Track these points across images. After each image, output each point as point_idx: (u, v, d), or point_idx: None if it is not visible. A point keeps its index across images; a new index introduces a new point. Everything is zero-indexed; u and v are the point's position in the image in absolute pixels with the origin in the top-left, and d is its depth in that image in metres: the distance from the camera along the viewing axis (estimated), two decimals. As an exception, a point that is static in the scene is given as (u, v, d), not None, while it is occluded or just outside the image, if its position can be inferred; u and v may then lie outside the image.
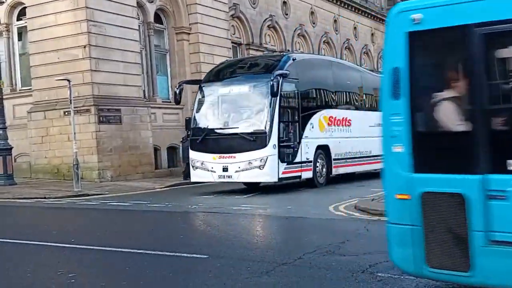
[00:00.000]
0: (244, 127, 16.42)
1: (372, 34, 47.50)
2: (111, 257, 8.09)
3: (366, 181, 19.32)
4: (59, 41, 20.69)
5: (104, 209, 13.94)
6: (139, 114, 22.18)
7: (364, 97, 22.60)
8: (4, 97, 20.45)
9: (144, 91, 23.79)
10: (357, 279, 6.38)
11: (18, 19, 23.63)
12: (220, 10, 26.43)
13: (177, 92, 18.04)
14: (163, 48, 25.84)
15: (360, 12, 45.08)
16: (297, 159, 17.01)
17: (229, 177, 16.23)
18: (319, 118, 18.43)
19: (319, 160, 18.15)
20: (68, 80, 18.07)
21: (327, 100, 19.56)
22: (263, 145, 15.84)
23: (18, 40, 23.99)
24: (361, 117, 21.21)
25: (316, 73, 19.66)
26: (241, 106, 17.16)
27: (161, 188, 19.10)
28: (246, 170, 15.90)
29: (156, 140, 23.00)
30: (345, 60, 42.19)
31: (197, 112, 17.53)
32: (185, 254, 7.90)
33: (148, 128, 22.48)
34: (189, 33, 25.60)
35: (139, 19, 23.25)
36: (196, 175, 17.10)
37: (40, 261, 7.99)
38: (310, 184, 17.88)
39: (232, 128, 16.57)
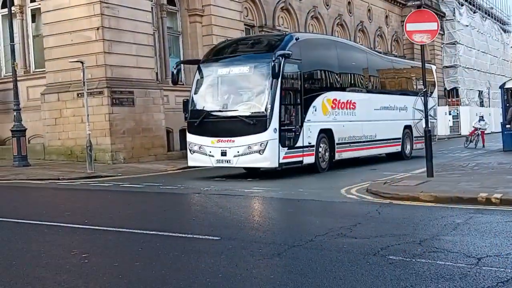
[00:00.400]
0: (243, 110, 15.82)
1: (386, 17, 47.13)
2: (124, 238, 8.14)
3: (371, 165, 19.15)
4: (72, 23, 20.72)
5: (117, 191, 14.03)
6: (152, 97, 22.22)
7: (370, 79, 21.97)
8: (18, 79, 20.57)
9: (156, 73, 23.82)
10: (369, 262, 6.38)
11: (32, 0, 23.66)
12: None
13: (175, 72, 17.63)
14: (175, 30, 25.82)
15: (374, -6, 44.70)
16: (299, 144, 16.37)
17: (227, 161, 15.66)
18: (322, 100, 17.75)
19: (321, 145, 17.49)
20: (82, 62, 18.07)
21: (331, 82, 18.85)
22: (263, 128, 15.23)
23: (32, 22, 24.05)
24: (366, 100, 20.66)
25: (320, 53, 18.89)
26: (240, 88, 16.66)
27: (173, 170, 19.21)
28: (245, 154, 15.36)
29: (169, 122, 23.05)
30: (359, 43, 42.09)
31: (195, 93, 16.90)
32: (197, 236, 7.94)
33: (160, 110, 22.54)
34: (202, 15, 25.54)
35: (152, 1, 23.19)
36: (193, 159, 16.59)
37: (54, 241, 8.05)
38: (311, 169, 17.33)
39: (231, 110, 16.06)
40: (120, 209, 11.26)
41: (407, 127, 23.25)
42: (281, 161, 15.65)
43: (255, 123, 15.29)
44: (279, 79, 15.24)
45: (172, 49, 25.84)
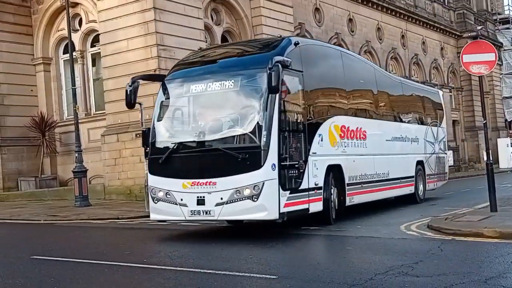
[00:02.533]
0: (228, 140, 11.45)
1: (442, 48, 46.55)
2: (183, 277, 8.11)
3: (384, 212, 18.07)
4: (130, 66, 21.12)
5: (174, 229, 14.05)
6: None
7: (380, 102, 17.52)
8: (79, 121, 21.07)
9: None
10: (432, 302, 6.18)
11: (92, 45, 24.35)
12: (285, 30, 26.41)
13: (128, 91, 12.43)
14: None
15: (428, 27, 44.28)
16: (304, 185, 11.86)
17: (206, 213, 11.02)
18: (329, 127, 13.50)
19: (331, 186, 13.16)
20: (140, 104, 18.22)
21: (338, 102, 14.64)
22: (258, 165, 10.73)
23: (92, 66, 24.71)
24: (377, 127, 16.79)
25: (325, 64, 14.51)
26: (223, 109, 11.97)
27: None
28: (232, 202, 10.77)
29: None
30: (414, 76, 41.60)
31: (158, 120, 12.25)
32: (255, 275, 7.85)
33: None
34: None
35: (206, 42, 23.52)
36: (157, 211, 11.80)
37: (113, 281, 8.10)
38: (315, 219, 13.05)
39: (210, 141, 11.59)
40: (178, 248, 11.26)
41: (420, 163, 19.54)
42: (282, 209, 10.96)
43: (245, 158, 10.80)
44: (278, 96, 10.94)
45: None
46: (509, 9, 59.84)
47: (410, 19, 41.49)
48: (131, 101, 12.41)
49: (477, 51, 13.96)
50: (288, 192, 11.19)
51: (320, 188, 12.44)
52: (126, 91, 12.35)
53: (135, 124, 19.96)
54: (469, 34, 46.07)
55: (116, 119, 21.89)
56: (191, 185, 11.07)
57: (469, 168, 45.10)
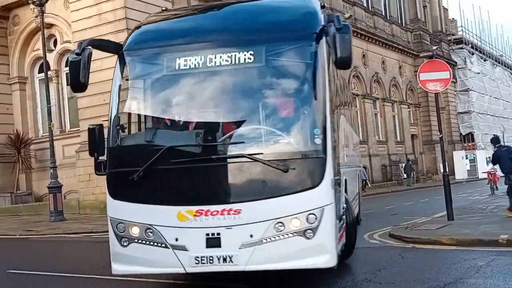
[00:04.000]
0: (259, 143, 6.41)
1: (400, 67, 47.32)
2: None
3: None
4: (104, 84, 20.91)
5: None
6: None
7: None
8: (54, 138, 20.84)
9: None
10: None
11: (67, 65, 24.14)
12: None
13: (76, 62, 6.55)
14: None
15: (387, 47, 45.02)
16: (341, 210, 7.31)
17: (224, 260, 6.15)
18: (343, 121, 9.61)
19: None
20: (113, 121, 18.34)
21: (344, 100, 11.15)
22: (313, 180, 6.18)
23: (67, 85, 24.47)
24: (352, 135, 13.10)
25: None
26: (244, 95, 6.78)
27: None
28: (270, 241, 6.10)
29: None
30: (375, 93, 42.26)
31: (121, 111, 7.04)
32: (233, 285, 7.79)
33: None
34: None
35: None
36: (127, 260, 6.61)
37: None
38: None
39: (229, 144, 6.46)
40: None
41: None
42: (338, 249, 6.69)
43: (292, 170, 6.14)
44: (327, 77, 6.47)
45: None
46: (462, 30, 61.09)
47: (370, 40, 42.08)
48: (80, 78, 6.57)
49: (433, 70, 14.23)
50: (338, 221, 6.82)
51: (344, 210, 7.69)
52: (72, 63, 6.56)
53: (109, 141, 19.78)
54: (425, 54, 46.76)
55: (90, 136, 21.63)
56: (195, 216, 6.13)
57: (427, 180, 45.64)
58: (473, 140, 56.18)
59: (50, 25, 23.25)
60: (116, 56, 7.05)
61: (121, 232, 6.52)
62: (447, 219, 13.79)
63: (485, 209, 16.63)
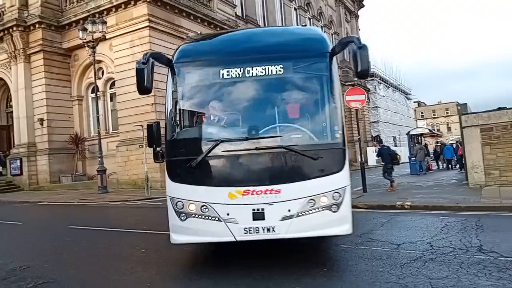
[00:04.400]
0: (296, 136, 5.70)
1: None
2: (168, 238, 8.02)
3: None
4: (135, 101, 20.86)
5: (164, 207, 13.79)
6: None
7: None
8: (101, 137, 20.61)
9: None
10: (324, 249, 6.26)
11: (110, 88, 23.85)
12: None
13: (141, 71, 5.62)
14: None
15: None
16: None
17: (268, 230, 5.42)
18: None
19: None
20: (141, 126, 18.22)
21: None
22: (339, 166, 5.66)
23: (110, 101, 24.19)
24: None
25: None
26: (279, 97, 5.99)
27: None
28: (305, 214, 5.45)
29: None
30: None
31: (176, 111, 5.95)
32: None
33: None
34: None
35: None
36: (186, 231, 5.66)
37: (124, 242, 7.95)
38: None
39: (271, 137, 5.60)
40: (166, 219, 11.09)
41: None
42: None
43: (322, 158, 5.58)
44: (338, 84, 6.04)
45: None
46: (373, 67, 61.62)
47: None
48: (146, 84, 5.63)
49: (354, 94, 14.36)
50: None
51: None
52: (138, 71, 5.69)
53: (138, 139, 19.67)
54: (350, 83, 47.64)
55: (126, 136, 21.51)
56: (243, 195, 5.43)
57: (351, 166, 45.95)
58: (380, 140, 56.79)
59: (99, 61, 22.87)
60: (168, 68, 6.07)
61: (180, 209, 5.61)
62: (362, 191, 13.94)
63: (386, 185, 16.89)
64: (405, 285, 4.83)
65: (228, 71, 5.72)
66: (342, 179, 5.56)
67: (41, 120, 23.94)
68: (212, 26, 24.43)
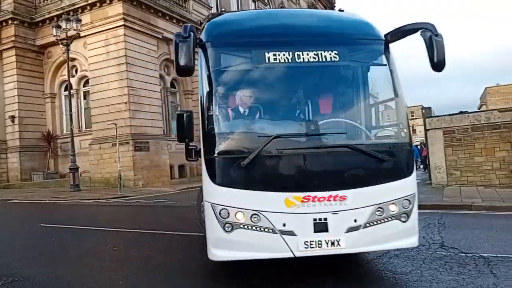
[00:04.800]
0: (361, 134, 4.91)
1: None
2: (142, 236, 7.94)
3: None
4: (110, 99, 20.55)
5: (137, 205, 13.69)
6: (160, 145, 21.91)
7: None
8: (74, 135, 20.12)
9: (164, 130, 23.56)
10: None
11: (84, 86, 23.34)
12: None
13: (183, 47, 4.26)
14: (176, 103, 25.68)
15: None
16: None
17: (332, 243, 4.31)
18: None
19: None
20: (115, 124, 18.04)
21: None
22: (408, 169, 4.64)
23: (84, 99, 23.67)
24: None
25: None
26: (337, 90, 5.05)
27: (174, 191, 18.77)
28: (372, 225, 4.42)
29: (172, 160, 22.70)
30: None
31: (215, 101, 4.48)
32: (187, 233, 7.74)
33: (166, 153, 22.20)
34: (192, 94, 25.53)
35: (161, 85, 23.12)
36: (233, 245, 4.33)
37: (95, 240, 7.81)
38: None
39: (334, 134, 4.61)
40: (139, 217, 10.98)
41: None
42: None
43: (391, 159, 4.54)
44: (398, 73, 4.85)
45: (174, 115, 25.60)
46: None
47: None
48: (186, 61, 4.32)
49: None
50: None
51: None
52: (177, 46, 4.29)
53: (111, 138, 19.38)
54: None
55: (99, 134, 21.10)
56: (303, 202, 4.36)
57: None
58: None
59: (73, 59, 22.29)
60: (199, 48, 4.69)
61: (224, 218, 4.35)
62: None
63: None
64: (372, 280, 4.93)
65: (276, 55, 4.55)
66: (412, 184, 4.68)
67: (12, 117, 23.21)
68: None
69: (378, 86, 4.99)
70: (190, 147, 4.84)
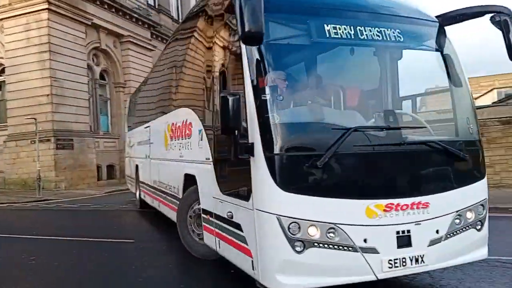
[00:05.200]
0: (441, 129, 4.50)
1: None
2: (63, 244, 7.81)
3: None
4: (30, 91, 19.63)
5: (58, 210, 13.28)
6: (87, 142, 21.28)
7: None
8: (-15, 130, 19.04)
9: (91, 126, 22.87)
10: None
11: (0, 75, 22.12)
12: (146, 72, 26.02)
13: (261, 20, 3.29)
14: (105, 96, 25.01)
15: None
16: None
17: (417, 260, 3.76)
18: None
19: None
20: (35, 119, 17.35)
21: None
22: (482, 170, 4.31)
23: (-1, 90, 22.44)
24: None
25: None
26: (410, 76, 4.59)
27: (101, 194, 18.31)
28: (452, 236, 3.97)
29: (98, 160, 22.11)
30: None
31: (267, 81, 3.66)
32: (115, 240, 7.73)
33: (93, 152, 21.58)
34: (124, 87, 25.00)
35: (88, 76, 22.44)
36: (308, 271, 3.56)
37: (10, 249, 7.56)
38: None
39: (414, 128, 4.25)
40: (60, 223, 10.70)
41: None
42: None
43: (471, 159, 4.21)
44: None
45: (103, 109, 24.92)
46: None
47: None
48: (255, 24, 3.29)
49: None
50: None
51: None
52: (244, 5, 3.30)
53: (30, 134, 18.59)
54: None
55: (16, 130, 20.12)
56: (385, 211, 3.74)
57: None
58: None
59: (-13, 44, 21.08)
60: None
61: (294, 235, 3.58)
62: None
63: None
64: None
65: (336, 28, 3.93)
66: (485, 187, 4.30)
67: None
68: (120, 14, 23.78)
69: (447, 74, 4.43)
70: (242, 142, 3.78)
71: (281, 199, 3.55)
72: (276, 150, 3.58)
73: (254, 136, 3.66)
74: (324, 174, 3.60)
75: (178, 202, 6.22)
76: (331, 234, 3.60)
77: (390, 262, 3.69)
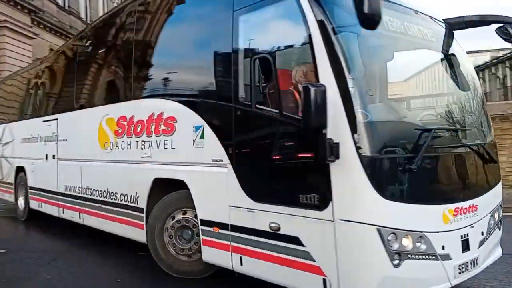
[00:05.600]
0: (484, 131, 4.43)
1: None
2: None
3: None
4: None
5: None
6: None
7: None
8: None
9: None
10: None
11: None
12: (25, 62, 24.03)
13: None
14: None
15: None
16: None
17: (473, 263, 3.77)
18: None
19: None
20: None
21: None
22: (499, 170, 4.53)
23: None
24: None
25: None
26: (461, 73, 4.46)
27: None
28: (489, 236, 4.09)
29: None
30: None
31: (352, 67, 3.30)
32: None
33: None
34: (-1, 78, 22.72)
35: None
36: (405, 286, 3.28)
37: None
38: None
39: (476, 129, 4.34)
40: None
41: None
42: None
43: (497, 161, 4.44)
44: None
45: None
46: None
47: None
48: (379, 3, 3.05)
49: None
50: None
51: None
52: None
53: None
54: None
55: None
56: (455, 215, 3.62)
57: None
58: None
59: None
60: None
61: (392, 246, 3.25)
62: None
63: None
64: None
65: (409, 24, 3.87)
66: (501, 188, 4.40)
67: None
68: (26, 11, 22.14)
69: (469, 79, 4.50)
70: (329, 140, 3.26)
71: (381, 207, 3.21)
72: (374, 151, 3.24)
73: (341, 134, 3.22)
74: (416, 178, 3.37)
75: (138, 214, 5.34)
76: (419, 244, 3.36)
77: (460, 267, 3.62)
